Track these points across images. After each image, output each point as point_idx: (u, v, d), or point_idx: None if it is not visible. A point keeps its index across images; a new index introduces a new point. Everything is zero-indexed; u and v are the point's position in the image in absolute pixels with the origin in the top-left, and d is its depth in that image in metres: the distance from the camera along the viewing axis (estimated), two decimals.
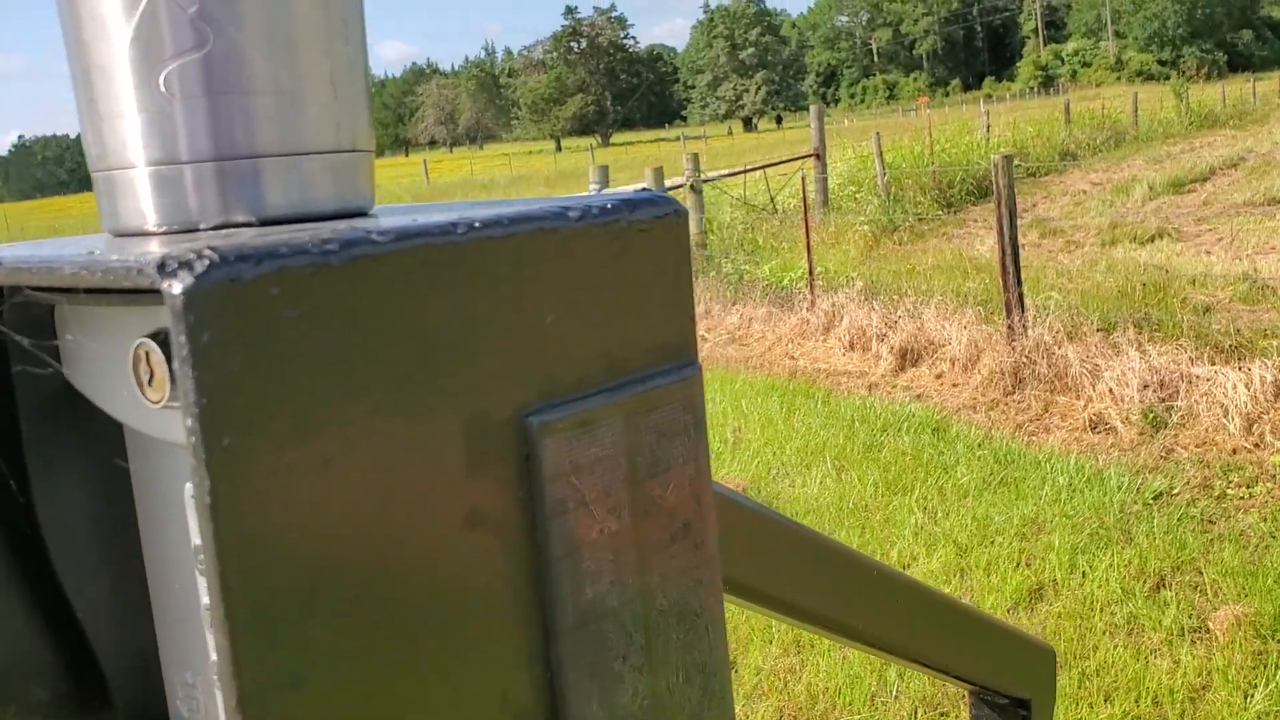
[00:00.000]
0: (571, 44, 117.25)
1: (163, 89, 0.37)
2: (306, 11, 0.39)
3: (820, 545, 0.67)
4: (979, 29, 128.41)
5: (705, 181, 10.11)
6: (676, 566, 0.45)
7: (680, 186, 9.48)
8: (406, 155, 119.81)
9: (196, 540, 0.31)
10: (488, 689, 0.39)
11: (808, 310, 7.81)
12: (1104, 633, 3.45)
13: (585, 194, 0.44)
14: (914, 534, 4.25)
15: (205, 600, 0.31)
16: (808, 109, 14.00)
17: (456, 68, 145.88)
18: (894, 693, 3.20)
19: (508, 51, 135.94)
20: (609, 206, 0.42)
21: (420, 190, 36.78)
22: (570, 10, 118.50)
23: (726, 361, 6.88)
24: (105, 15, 0.37)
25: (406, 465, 0.35)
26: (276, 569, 0.32)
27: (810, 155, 14.00)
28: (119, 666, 0.49)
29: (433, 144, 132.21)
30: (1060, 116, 23.56)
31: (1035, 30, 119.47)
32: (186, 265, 0.30)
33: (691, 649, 0.46)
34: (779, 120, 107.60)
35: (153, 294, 0.30)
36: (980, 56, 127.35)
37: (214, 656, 0.31)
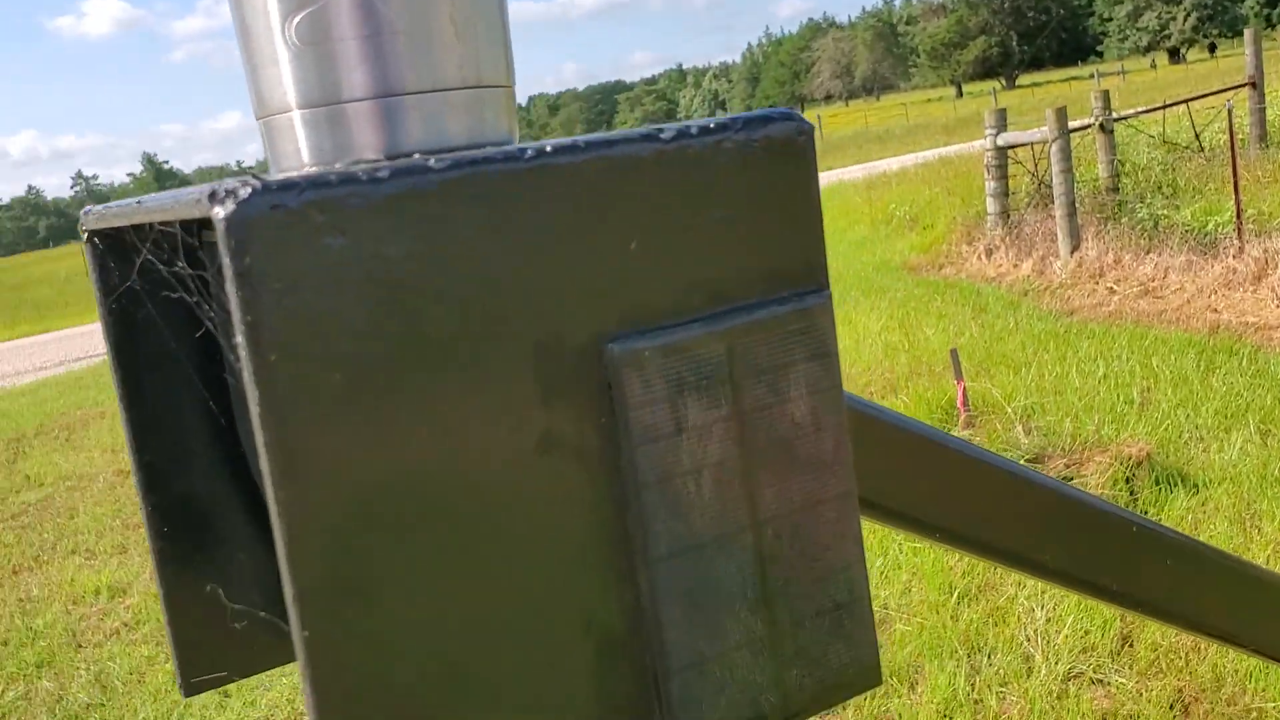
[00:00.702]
0: None
1: (294, 39, 0.39)
2: None
3: (1000, 472, 0.61)
4: None
5: (1117, 120, 9.36)
6: (798, 498, 0.42)
7: (1087, 127, 8.85)
8: (802, 111, 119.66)
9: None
10: (570, 612, 0.38)
11: (1234, 258, 7.05)
12: None
13: (704, 118, 0.41)
14: None
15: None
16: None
17: (853, 20, 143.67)
18: None
19: None
20: (712, 126, 0.40)
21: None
22: None
23: (1137, 316, 6.39)
24: None
25: (467, 389, 0.35)
26: (327, 484, 0.33)
27: (1245, 85, 12.56)
28: None
29: (828, 99, 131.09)
30: None
31: None
32: (232, 193, 0.32)
33: (820, 584, 0.43)
34: (1212, 49, 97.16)
35: None
36: None
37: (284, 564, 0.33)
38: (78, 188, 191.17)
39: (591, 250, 0.38)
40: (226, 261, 0.31)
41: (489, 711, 0.37)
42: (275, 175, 0.33)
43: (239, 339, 0.32)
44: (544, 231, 0.37)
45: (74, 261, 39.15)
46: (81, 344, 13.87)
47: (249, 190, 0.32)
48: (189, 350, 0.48)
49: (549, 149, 0.37)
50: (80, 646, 3.85)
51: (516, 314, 0.36)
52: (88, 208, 0.45)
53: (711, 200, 0.40)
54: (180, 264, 0.44)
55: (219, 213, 0.32)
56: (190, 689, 0.49)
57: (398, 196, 0.34)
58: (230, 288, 0.32)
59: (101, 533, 5.10)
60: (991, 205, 8.96)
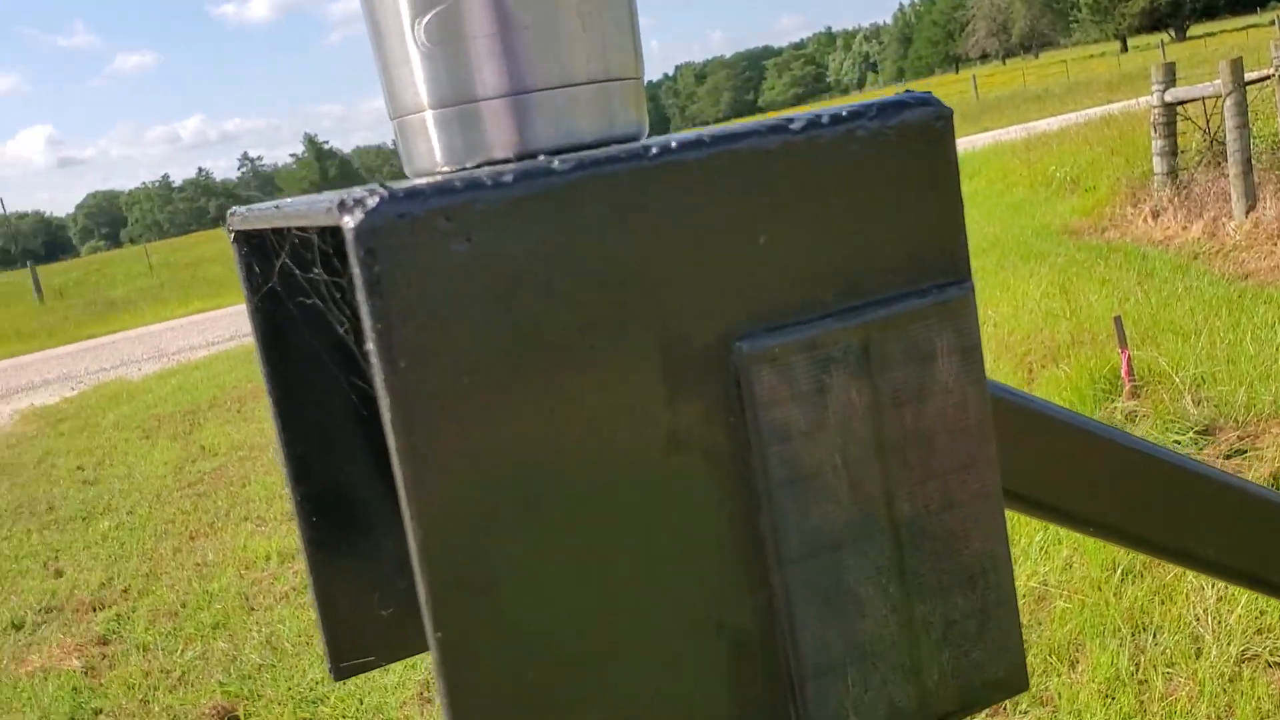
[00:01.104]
0: None
1: (423, 39, 0.40)
2: None
3: (1145, 459, 0.57)
4: None
5: None
6: (939, 497, 0.41)
7: (1266, 79, 8.32)
8: (956, 72, 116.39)
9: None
10: (701, 613, 0.38)
11: None
12: None
13: (833, 105, 0.40)
14: None
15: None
16: None
17: None
18: None
19: None
20: (845, 115, 0.39)
21: (969, 106, 35.68)
22: None
23: None
24: None
25: (593, 389, 0.35)
26: (457, 486, 0.33)
27: None
28: None
29: (984, 58, 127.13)
30: None
31: None
32: (360, 203, 0.32)
33: (963, 585, 0.42)
34: None
35: None
36: None
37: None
38: (244, 169, 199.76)
39: (719, 246, 0.37)
40: (356, 271, 0.32)
41: (620, 710, 0.37)
42: (406, 180, 0.34)
43: (370, 346, 0.33)
44: (670, 229, 0.36)
45: None
46: None
47: (377, 200, 0.32)
48: (330, 346, 0.49)
49: (674, 145, 0.36)
50: (252, 609, 4.05)
51: (642, 313, 0.36)
52: (233, 209, 0.47)
53: (844, 191, 0.39)
54: (316, 270, 0.45)
55: (348, 222, 0.32)
56: (340, 673, 0.51)
57: (522, 200, 0.34)
58: (360, 296, 0.32)
59: (271, 500, 5.34)
60: (1158, 165, 8.55)
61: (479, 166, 0.40)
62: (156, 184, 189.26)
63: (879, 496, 0.40)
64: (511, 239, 0.34)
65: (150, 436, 7.62)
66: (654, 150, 0.36)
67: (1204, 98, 8.02)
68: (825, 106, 0.40)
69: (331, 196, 0.34)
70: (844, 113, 0.39)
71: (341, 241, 0.34)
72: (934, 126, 0.40)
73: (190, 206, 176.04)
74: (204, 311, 17.88)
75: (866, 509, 0.40)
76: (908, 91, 0.41)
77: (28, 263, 29.14)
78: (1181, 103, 8.28)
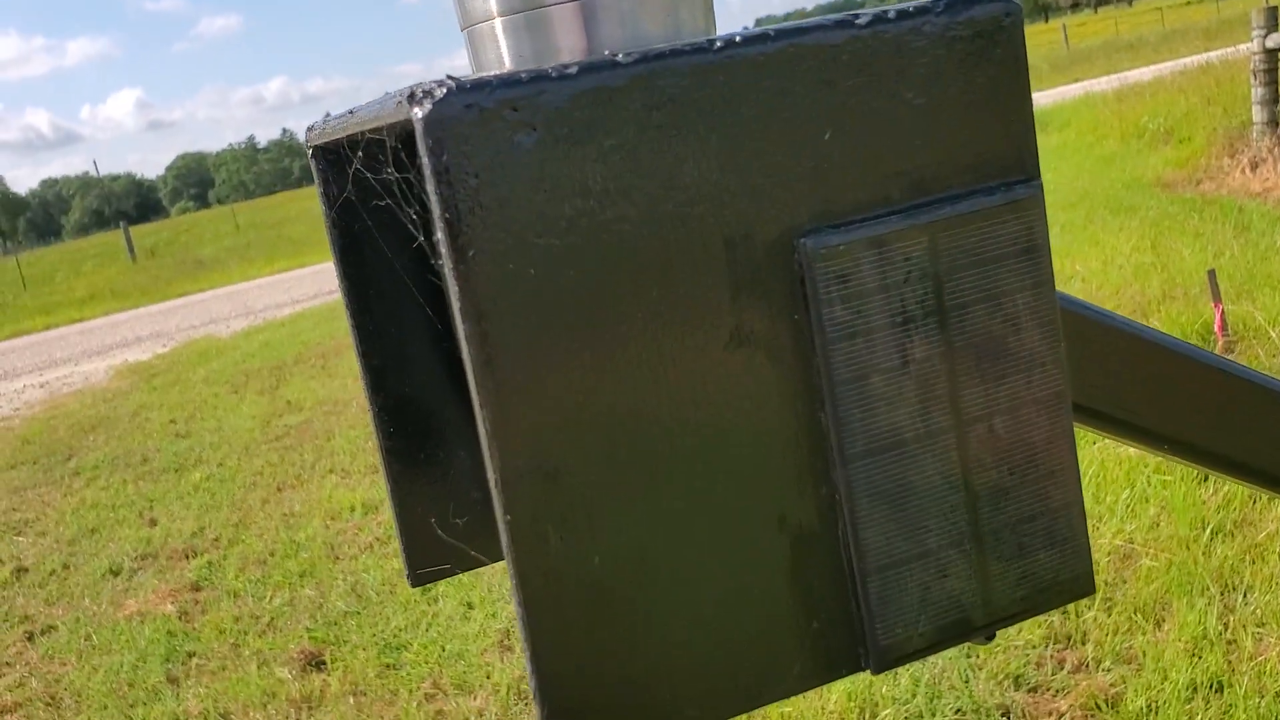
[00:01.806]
0: None
1: None
2: None
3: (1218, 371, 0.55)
4: None
5: None
6: (1006, 398, 0.41)
7: None
8: (1046, 21, 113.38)
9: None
10: (763, 507, 0.38)
11: None
12: None
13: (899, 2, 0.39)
14: None
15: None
16: None
17: None
18: None
19: None
20: (911, 10, 0.38)
21: (1059, 56, 34.75)
22: None
23: None
24: None
25: (656, 284, 0.35)
26: (525, 374, 0.34)
27: None
28: None
29: (1075, 7, 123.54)
30: None
31: None
32: (428, 94, 0.32)
33: (1029, 487, 0.41)
34: None
35: None
36: None
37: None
38: None
39: (783, 142, 0.37)
40: (425, 160, 0.33)
41: (683, 602, 0.37)
42: (476, 75, 0.34)
43: (439, 236, 0.33)
44: (734, 124, 0.36)
45: None
46: (333, 278, 14.67)
47: (444, 90, 0.33)
48: (406, 258, 0.50)
49: (738, 39, 0.36)
50: (337, 559, 4.14)
51: (706, 209, 0.36)
52: (311, 123, 0.47)
53: (911, 88, 0.38)
54: (388, 169, 0.46)
55: (417, 113, 0.33)
56: (417, 580, 0.52)
57: (587, 93, 0.34)
58: (429, 185, 0.33)
59: (355, 454, 5.45)
60: (1258, 114, 8.25)
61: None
62: (242, 145, 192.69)
63: (944, 397, 0.40)
64: (577, 131, 0.34)
65: (238, 391, 7.80)
66: (718, 44, 0.36)
67: None
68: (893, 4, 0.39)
69: (402, 91, 0.34)
70: (911, 8, 0.38)
71: (413, 137, 0.34)
72: (1003, 22, 0.40)
73: (275, 167, 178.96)
74: (288, 270, 18.22)
75: (930, 409, 0.40)
76: None
77: (121, 223, 29.93)
78: None
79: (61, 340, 13.72)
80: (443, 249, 0.33)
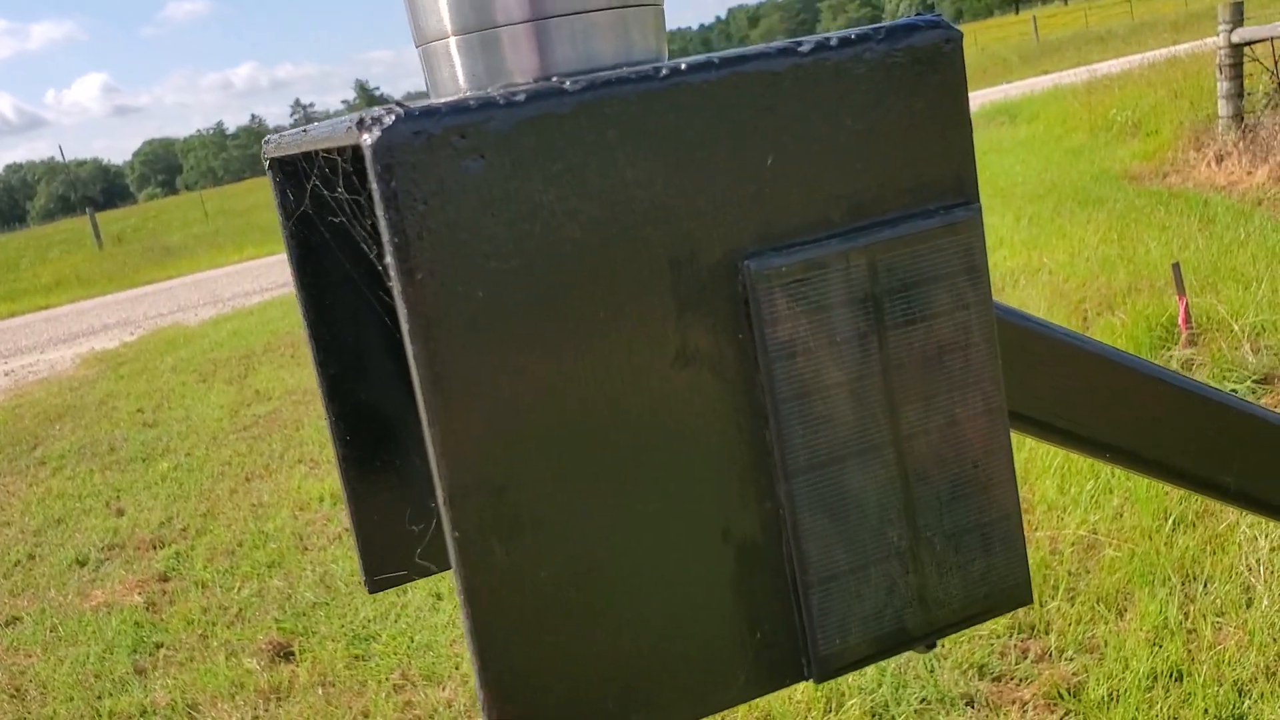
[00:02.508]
0: None
1: None
2: None
3: (1142, 375, 0.56)
4: None
5: None
6: (944, 414, 0.42)
7: None
8: (1016, 13, 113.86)
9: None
10: (709, 520, 0.39)
11: None
12: None
13: (843, 29, 0.40)
14: None
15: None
16: None
17: None
18: None
19: None
20: (853, 38, 0.39)
21: (1028, 48, 34.93)
22: None
23: None
24: None
25: (604, 304, 0.36)
26: (473, 393, 0.35)
27: None
28: None
29: None
30: None
31: None
32: (377, 120, 0.33)
33: (967, 500, 0.43)
34: None
35: None
36: None
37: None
38: (296, 115, 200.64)
39: (728, 167, 0.38)
40: (374, 185, 0.33)
41: (630, 612, 0.38)
42: (425, 102, 0.35)
43: (389, 259, 0.34)
44: (680, 149, 0.37)
45: None
46: None
47: (393, 118, 0.33)
48: (363, 270, 0.50)
49: (684, 67, 0.37)
50: (306, 549, 4.13)
51: (652, 231, 0.37)
52: (268, 137, 0.48)
53: (852, 114, 0.39)
54: (340, 189, 0.47)
55: (366, 139, 0.33)
56: (374, 585, 0.53)
57: (534, 120, 0.35)
58: (379, 210, 0.33)
59: (324, 444, 5.42)
60: (1224, 108, 8.33)
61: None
62: (211, 131, 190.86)
63: (883, 413, 0.41)
64: (524, 158, 0.35)
65: (207, 380, 7.75)
66: (664, 72, 0.36)
67: (1273, 38, 7.78)
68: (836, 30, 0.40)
69: (352, 117, 0.35)
70: (852, 35, 0.39)
71: (363, 160, 0.35)
72: (943, 50, 0.41)
73: (244, 154, 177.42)
74: (257, 258, 18.08)
75: (870, 424, 0.41)
76: (918, 14, 0.41)
77: (87, 210, 29.58)
78: (1249, 43, 8.04)
79: (27, 328, 13.57)
80: (392, 271, 0.34)
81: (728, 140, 0.37)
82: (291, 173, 0.48)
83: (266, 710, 3.01)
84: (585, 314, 0.36)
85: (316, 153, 0.45)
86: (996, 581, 0.44)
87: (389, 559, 0.53)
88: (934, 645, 0.44)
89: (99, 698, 3.24)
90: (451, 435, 0.34)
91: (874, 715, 2.47)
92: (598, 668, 0.38)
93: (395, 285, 0.34)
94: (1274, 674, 2.36)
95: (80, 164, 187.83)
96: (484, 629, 0.36)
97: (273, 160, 0.47)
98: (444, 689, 2.93)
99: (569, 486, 0.37)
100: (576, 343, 0.36)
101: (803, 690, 2.57)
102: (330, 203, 0.48)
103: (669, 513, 0.38)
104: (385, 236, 0.33)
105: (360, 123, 0.34)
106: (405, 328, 0.34)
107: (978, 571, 0.43)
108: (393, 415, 0.52)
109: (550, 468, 0.36)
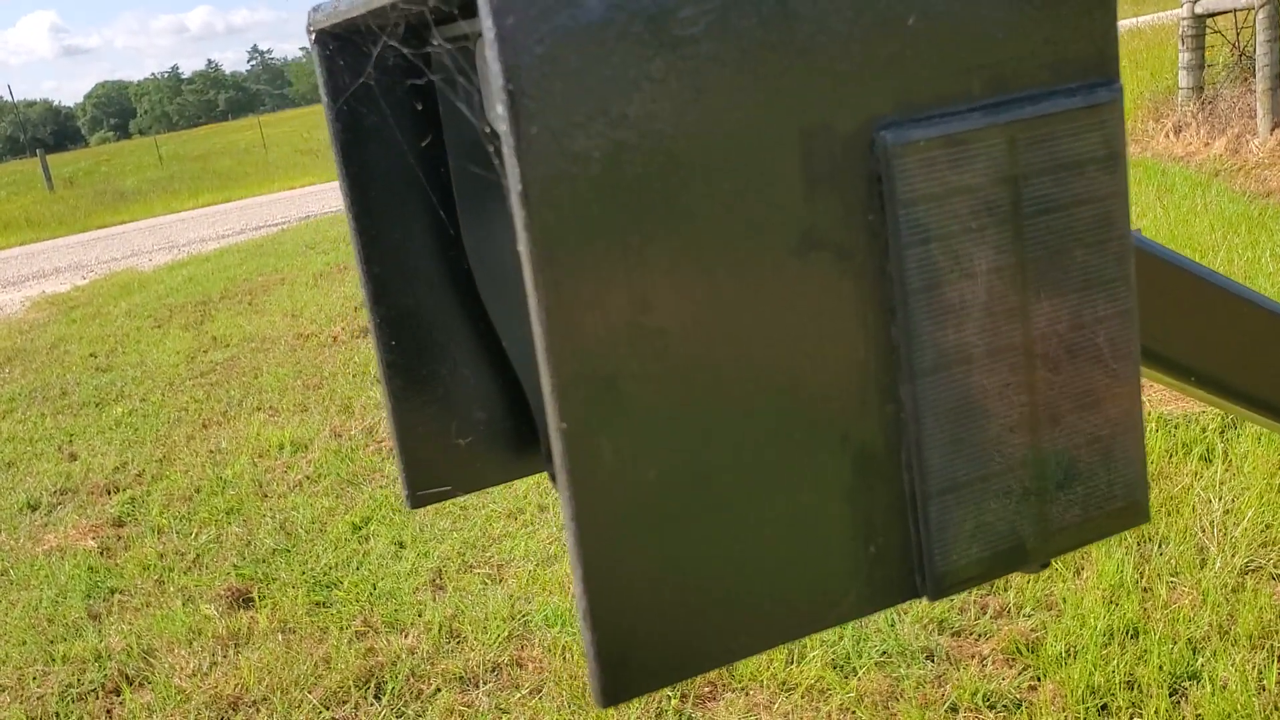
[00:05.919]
0: None
1: None
2: None
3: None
4: None
5: None
6: (1074, 318, 0.39)
7: None
8: None
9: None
10: (826, 424, 0.36)
11: None
12: None
13: None
14: None
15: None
16: None
17: None
18: None
19: None
20: None
21: None
22: None
23: None
24: None
25: (728, 177, 0.33)
26: (585, 268, 0.32)
27: None
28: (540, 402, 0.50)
29: None
30: None
31: None
32: None
33: (1092, 409, 0.40)
34: None
35: None
36: None
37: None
38: (254, 61, 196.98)
39: (867, 24, 0.34)
40: (489, 24, 0.30)
41: (739, 522, 0.36)
42: None
43: (498, 109, 0.30)
44: (820, 6, 0.34)
45: (252, 134, 40.63)
46: (260, 213, 14.45)
47: None
48: (420, 158, 0.47)
49: None
50: (266, 496, 4.09)
51: (784, 94, 0.34)
52: (315, 4, 0.44)
53: None
54: (435, 41, 0.43)
55: None
56: (416, 501, 0.50)
57: None
58: (490, 52, 0.30)
59: (284, 391, 5.38)
60: (1184, 79, 8.40)
61: None
62: (165, 75, 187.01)
63: (1016, 310, 0.38)
64: (653, 8, 0.32)
65: (162, 326, 7.64)
66: None
67: (1235, 10, 7.84)
68: None
69: None
70: None
71: (451, 27, 0.32)
72: None
73: (199, 99, 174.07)
74: (214, 204, 17.79)
75: (1002, 322, 0.38)
76: None
77: (37, 151, 28.92)
78: (1212, 15, 8.10)
79: None
80: (502, 125, 0.31)
81: None
82: (346, 44, 0.44)
83: (225, 656, 2.99)
84: (708, 191, 0.33)
85: (394, 5, 0.40)
86: (1117, 498, 0.42)
87: (432, 474, 0.50)
88: (1047, 565, 0.42)
89: (52, 642, 3.20)
90: (561, 317, 0.31)
91: (836, 667, 2.49)
92: (703, 579, 0.35)
93: (506, 141, 0.31)
94: (1227, 632, 2.41)
95: (29, 105, 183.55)
96: (588, 531, 0.33)
97: (321, 33, 0.44)
98: (407, 636, 2.92)
99: (680, 383, 0.34)
100: (697, 223, 0.33)
101: None
102: (405, 69, 0.44)
103: (784, 415, 0.36)
104: (496, 84, 0.30)
105: None
106: (514, 190, 0.31)
107: (1100, 486, 0.41)
108: (440, 322, 0.50)
109: (662, 360, 0.33)
